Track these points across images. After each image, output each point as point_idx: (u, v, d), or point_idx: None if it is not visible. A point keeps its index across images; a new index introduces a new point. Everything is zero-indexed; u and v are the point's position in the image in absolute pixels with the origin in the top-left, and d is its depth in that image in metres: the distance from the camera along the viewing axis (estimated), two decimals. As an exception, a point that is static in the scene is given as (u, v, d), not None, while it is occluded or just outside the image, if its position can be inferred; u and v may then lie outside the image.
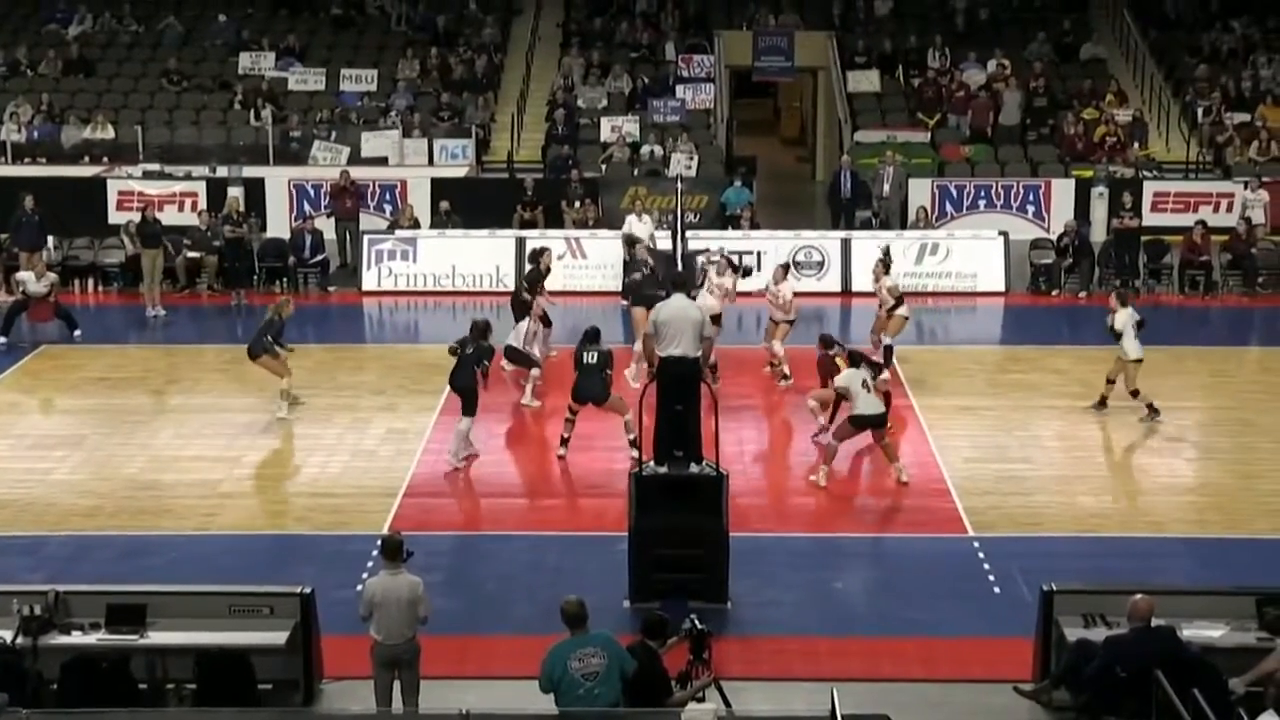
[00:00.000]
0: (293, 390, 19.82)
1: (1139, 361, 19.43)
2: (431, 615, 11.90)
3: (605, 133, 31.42)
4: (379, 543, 12.75)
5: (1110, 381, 19.74)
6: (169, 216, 28.15)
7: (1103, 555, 15.63)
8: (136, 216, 26.45)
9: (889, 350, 20.79)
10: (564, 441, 18.34)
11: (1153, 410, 19.48)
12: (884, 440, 17.57)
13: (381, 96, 33.03)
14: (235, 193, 28.04)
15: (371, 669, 11.88)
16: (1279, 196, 28.94)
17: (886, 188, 28.95)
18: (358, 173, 29.05)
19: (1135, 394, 19.52)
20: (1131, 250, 26.75)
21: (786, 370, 20.96)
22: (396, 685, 11.87)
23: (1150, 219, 28.09)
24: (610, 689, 10.97)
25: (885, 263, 21.40)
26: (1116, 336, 19.49)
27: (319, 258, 26.79)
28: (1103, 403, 19.81)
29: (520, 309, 21.16)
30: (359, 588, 12.62)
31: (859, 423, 17.36)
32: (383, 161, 30.96)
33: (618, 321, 23.86)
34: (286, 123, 32.02)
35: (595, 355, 18.23)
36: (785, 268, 21.99)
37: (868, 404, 17.23)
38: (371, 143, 31.25)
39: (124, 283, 26.61)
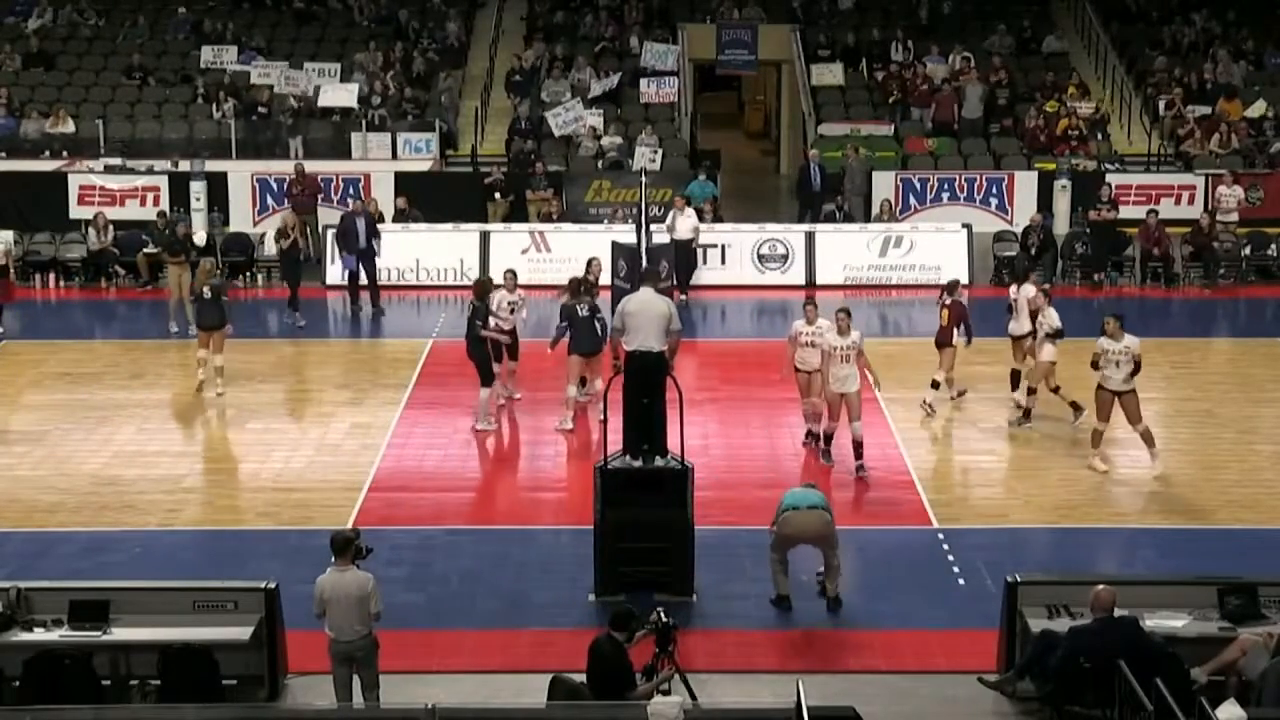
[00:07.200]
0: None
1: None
2: (395, 610, 11.87)
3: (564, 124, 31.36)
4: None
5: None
6: (131, 211, 28.03)
7: (1066, 546, 15.72)
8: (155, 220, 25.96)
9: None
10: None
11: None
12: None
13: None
14: (284, 215, 26.10)
15: (330, 664, 11.86)
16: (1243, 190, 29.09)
17: (846, 181, 28.98)
18: (321, 167, 28.93)
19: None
20: (1105, 242, 26.81)
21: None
22: (356, 680, 11.84)
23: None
24: None
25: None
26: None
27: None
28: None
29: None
30: (319, 583, 12.59)
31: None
32: (344, 113, 31.38)
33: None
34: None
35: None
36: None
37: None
38: (330, 94, 31.20)
39: (85, 278, 26.52)
